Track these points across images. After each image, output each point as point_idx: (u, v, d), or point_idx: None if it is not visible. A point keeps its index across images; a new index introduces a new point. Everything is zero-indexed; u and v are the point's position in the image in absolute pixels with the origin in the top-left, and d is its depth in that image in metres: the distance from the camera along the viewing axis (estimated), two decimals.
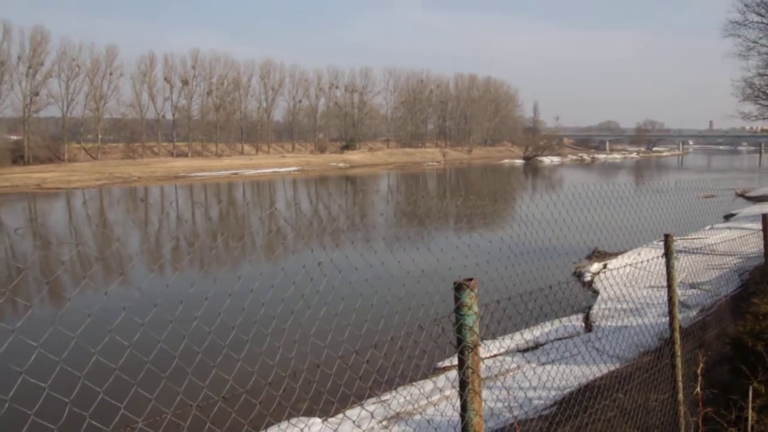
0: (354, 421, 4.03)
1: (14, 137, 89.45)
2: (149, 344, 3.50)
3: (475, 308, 4.18)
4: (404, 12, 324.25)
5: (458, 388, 4.34)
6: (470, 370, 4.27)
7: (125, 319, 3.08)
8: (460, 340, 4.17)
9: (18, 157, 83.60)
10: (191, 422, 3.32)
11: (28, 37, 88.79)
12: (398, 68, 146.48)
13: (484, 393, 6.73)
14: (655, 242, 18.40)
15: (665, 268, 6.01)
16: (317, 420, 8.56)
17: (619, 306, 14.44)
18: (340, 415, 8.45)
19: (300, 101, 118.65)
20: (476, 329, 4.11)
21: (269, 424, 6.18)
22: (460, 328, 4.19)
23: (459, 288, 4.21)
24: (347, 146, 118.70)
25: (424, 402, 9.21)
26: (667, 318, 5.94)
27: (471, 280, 4.19)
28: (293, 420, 8.08)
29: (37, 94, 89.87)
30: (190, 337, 3.56)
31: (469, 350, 4.20)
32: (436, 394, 9.75)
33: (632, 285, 12.23)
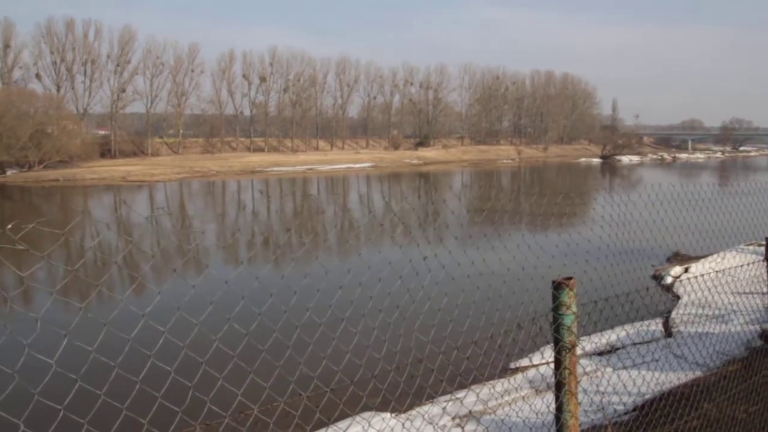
0: (424, 418, 4.05)
1: (102, 132, 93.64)
2: (236, 338, 3.55)
3: (574, 308, 4.12)
4: (480, 8, 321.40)
5: (554, 389, 4.30)
6: (567, 371, 4.22)
7: (211, 312, 3.18)
8: (557, 340, 4.12)
9: (105, 150, 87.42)
10: (277, 415, 3.39)
11: (117, 36, 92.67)
12: (473, 65, 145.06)
13: (549, 397, 6.65)
14: (741, 246, 17.65)
15: (766, 273, 5.76)
16: (387, 415, 8.61)
17: (701, 312, 13.93)
18: (412, 411, 8.49)
19: (375, 98, 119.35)
20: (574, 329, 4.06)
21: (340, 417, 6.24)
22: (558, 327, 4.14)
23: (558, 287, 4.16)
24: (421, 143, 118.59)
25: (495, 402, 9.15)
26: (756, 326, 5.69)
27: (570, 279, 4.13)
28: (366, 414, 8.16)
29: (123, 90, 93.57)
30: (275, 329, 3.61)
31: (567, 350, 4.15)
32: (510, 395, 9.66)
33: (716, 290, 11.79)
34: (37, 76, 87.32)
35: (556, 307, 3.95)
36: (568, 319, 3.95)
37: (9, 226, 2.61)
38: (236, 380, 3.49)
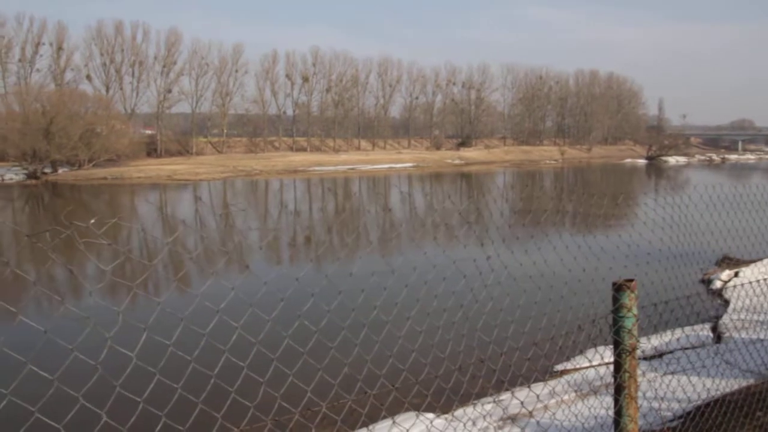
0: (485, 419, 4.01)
1: (149, 131, 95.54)
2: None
3: (635, 310, 4.03)
4: (525, 6, 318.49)
5: (613, 393, 4.22)
6: (627, 375, 4.13)
7: (282, 309, 3.18)
8: (617, 343, 4.04)
9: (152, 150, 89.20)
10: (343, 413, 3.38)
11: (163, 38, 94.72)
12: (516, 64, 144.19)
13: (606, 400, 6.52)
14: None
15: None
16: (431, 415, 8.56)
17: (753, 317, 13.55)
18: (455, 413, 8.43)
19: (417, 98, 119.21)
20: (635, 332, 3.97)
21: (382, 417, 6.21)
22: (618, 330, 4.05)
23: (619, 288, 4.08)
24: (463, 143, 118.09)
25: (538, 405, 9.03)
26: None
27: (631, 281, 4.04)
28: (407, 414, 8.12)
29: (169, 91, 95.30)
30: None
31: (627, 353, 4.06)
32: (551, 398, 9.53)
33: None
34: (88, 77, 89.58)
35: (617, 309, 3.88)
36: (629, 322, 3.88)
37: (92, 221, 2.66)
38: (305, 377, 3.51)
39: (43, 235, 2.75)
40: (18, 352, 2.52)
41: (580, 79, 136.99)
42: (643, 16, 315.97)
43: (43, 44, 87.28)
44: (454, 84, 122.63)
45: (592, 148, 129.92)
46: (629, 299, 3.94)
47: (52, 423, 2.57)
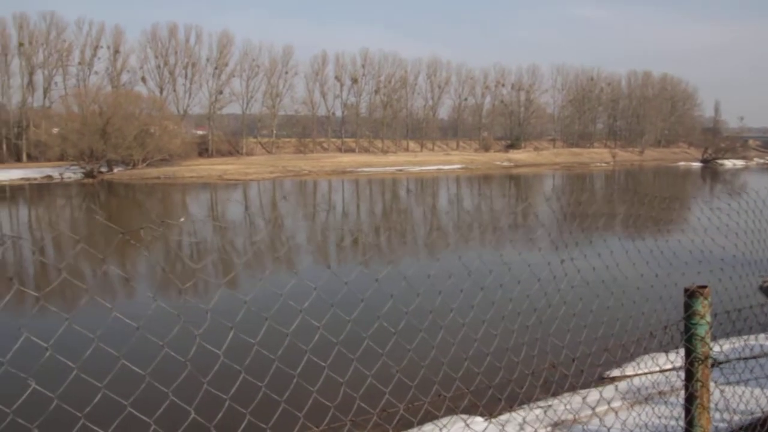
0: (507, 425, 3.93)
1: (200, 132, 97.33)
2: (385, 336, 3.55)
3: (708, 317, 3.91)
4: (576, 7, 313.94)
5: (684, 402, 4.09)
6: (699, 384, 4.01)
7: (362, 310, 3.18)
8: (689, 351, 3.92)
9: (203, 150, 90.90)
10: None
11: (215, 40, 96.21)
12: (567, 65, 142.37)
13: (662, 408, 6.34)
14: None
15: None
16: (479, 419, 8.46)
17: None
18: (503, 416, 8.32)
19: (465, 99, 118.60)
20: (708, 340, 3.84)
21: (427, 419, 6.16)
22: (690, 337, 3.93)
23: (692, 295, 3.96)
24: (512, 145, 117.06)
25: (587, 412, 8.84)
26: None
27: (705, 287, 3.92)
28: (452, 417, 8.04)
29: (221, 92, 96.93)
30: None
31: (700, 362, 3.94)
32: (601, 405, 9.33)
33: None
34: (143, 79, 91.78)
35: (689, 316, 3.78)
36: (702, 329, 3.77)
37: (182, 219, 2.70)
38: (383, 378, 3.51)
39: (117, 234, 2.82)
40: (112, 346, 2.59)
41: (633, 80, 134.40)
42: (698, 16, 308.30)
43: (101, 48, 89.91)
44: (503, 85, 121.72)
45: (644, 150, 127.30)
46: (702, 306, 3.83)
47: (144, 418, 2.62)
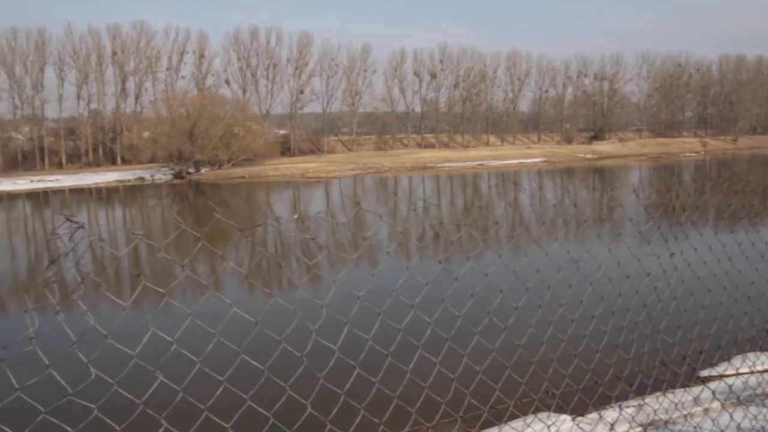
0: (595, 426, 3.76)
1: (282, 131, 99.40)
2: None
3: None
4: None
5: None
6: None
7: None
8: None
9: (285, 149, 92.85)
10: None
11: (295, 41, 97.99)
12: (653, 52, 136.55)
13: (738, 414, 5.98)
14: None
15: None
16: (566, 417, 8.21)
17: None
18: (592, 415, 8.05)
19: (546, 91, 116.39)
20: None
21: (513, 416, 6.01)
22: None
23: None
24: (595, 136, 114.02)
25: (682, 413, 8.45)
26: None
27: None
28: (540, 414, 7.83)
29: (302, 92, 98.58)
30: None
31: None
32: (695, 406, 8.91)
33: None
34: (227, 81, 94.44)
35: None
36: None
37: (296, 215, 2.73)
38: (494, 376, 3.47)
39: (231, 229, 2.89)
40: (232, 341, 2.66)
41: (725, 64, 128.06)
42: None
43: (187, 53, 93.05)
44: (585, 76, 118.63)
45: (737, 138, 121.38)
46: None
47: (263, 411, 2.68)
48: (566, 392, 3.54)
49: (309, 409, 2.83)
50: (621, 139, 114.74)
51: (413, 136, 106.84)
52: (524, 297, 3.37)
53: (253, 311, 3.03)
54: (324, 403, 2.97)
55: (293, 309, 2.72)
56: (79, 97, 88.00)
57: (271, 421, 2.80)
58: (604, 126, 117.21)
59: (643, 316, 4.24)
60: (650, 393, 4.29)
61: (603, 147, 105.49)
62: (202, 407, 2.69)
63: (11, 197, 59.46)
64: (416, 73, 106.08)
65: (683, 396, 8.89)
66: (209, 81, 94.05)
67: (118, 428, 2.62)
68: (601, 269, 3.93)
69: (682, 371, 3.88)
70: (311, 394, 2.88)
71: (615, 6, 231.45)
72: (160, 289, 2.70)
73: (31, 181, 70.11)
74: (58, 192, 62.88)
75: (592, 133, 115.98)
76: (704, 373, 10.77)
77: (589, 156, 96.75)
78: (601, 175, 72.71)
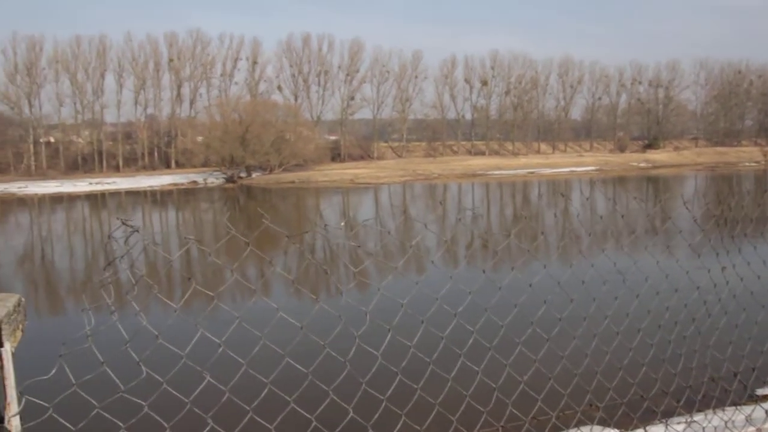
0: None
1: (333, 137, 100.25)
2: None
3: None
4: None
5: None
6: None
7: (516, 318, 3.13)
8: None
9: (335, 154, 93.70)
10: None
11: (347, 48, 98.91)
12: (711, 59, 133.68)
13: None
14: None
15: None
16: (610, 431, 8.03)
17: None
18: (638, 430, 7.85)
19: (599, 98, 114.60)
20: None
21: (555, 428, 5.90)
22: None
23: None
24: (650, 145, 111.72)
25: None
26: None
27: None
28: (583, 428, 7.69)
29: (352, 98, 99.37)
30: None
31: None
32: (747, 426, 8.62)
33: None
34: (279, 87, 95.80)
35: None
36: None
37: (342, 223, 2.80)
38: (537, 386, 3.46)
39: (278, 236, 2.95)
40: (277, 344, 2.73)
41: None
42: None
43: (241, 59, 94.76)
44: (639, 83, 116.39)
45: None
46: None
47: (306, 414, 2.74)
48: (610, 405, 3.50)
49: (351, 414, 2.88)
50: (676, 148, 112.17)
51: (463, 143, 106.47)
52: (569, 308, 3.35)
53: (299, 316, 3.10)
54: (366, 408, 3.01)
55: (338, 315, 2.78)
56: (136, 103, 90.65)
57: (313, 424, 2.86)
58: (659, 134, 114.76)
59: (691, 330, 4.17)
60: (699, 410, 4.19)
61: (657, 156, 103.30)
62: (247, 408, 2.77)
63: (71, 198, 61.44)
64: (467, 80, 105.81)
65: (734, 415, 8.66)
66: (262, 87, 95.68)
67: (166, 425, 2.71)
68: (648, 282, 3.89)
69: (732, 388, 3.79)
70: (353, 398, 2.94)
71: (671, 12, 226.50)
72: (210, 293, 2.79)
73: (90, 183, 72.42)
74: (115, 194, 64.72)
75: (646, 142, 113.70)
76: (758, 391, 10.48)
77: (642, 165, 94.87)
78: (655, 184, 71.25)
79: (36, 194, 64.66)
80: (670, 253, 4.16)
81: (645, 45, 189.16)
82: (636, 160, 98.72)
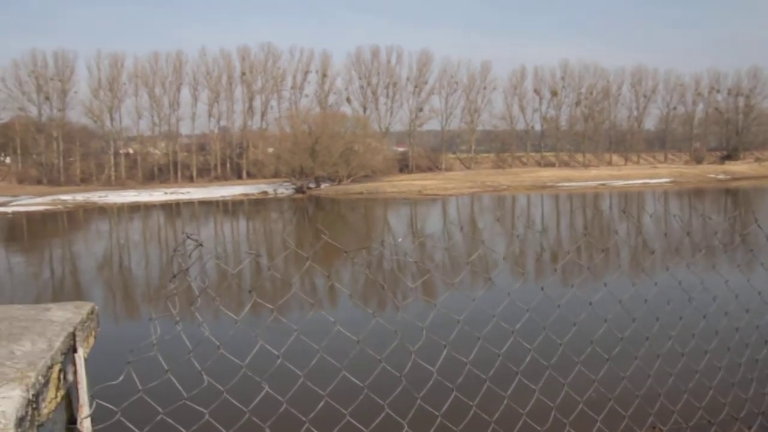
0: None
1: (401, 149, 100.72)
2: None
3: None
4: None
5: None
6: None
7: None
8: None
9: (403, 166, 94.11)
10: None
11: (415, 59, 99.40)
12: None
13: None
14: None
15: None
16: None
17: None
18: None
19: (674, 108, 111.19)
20: None
21: None
22: None
23: None
24: (728, 156, 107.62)
25: None
26: None
27: None
28: None
29: (421, 109, 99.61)
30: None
31: None
32: None
33: None
34: (348, 99, 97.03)
35: None
36: None
37: (399, 239, 2.84)
38: (596, 407, 3.41)
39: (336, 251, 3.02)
40: (335, 358, 2.79)
41: None
42: None
43: (311, 72, 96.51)
44: (718, 91, 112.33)
45: None
46: None
47: (361, 428, 2.78)
48: (674, 429, 3.41)
49: (405, 429, 2.90)
50: (758, 159, 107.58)
51: (532, 154, 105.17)
52: (630, 328, 3.29)
53: (356, 330, 3.15)
54: (420, 423, 3.03)
55: (394, 330, 2.82)
56: (210, 115, 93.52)
57: None
58: (739, 145, 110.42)
59: (764, 353, 4.01)
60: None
61: (737, 167, 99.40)
62: (304, 419, 2.82)
63: (147, 207, 63.70)
64: (536, 91, 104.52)
65: None
66: (331, 99, 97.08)
67: None
68: (716, 301, 3.77)
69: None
70: (408, 413, 2.96)
71: (753, 17, 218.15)
72: (269, 305, 2.86)
73: (165, 193, 74.94)
74: (189, 204, 66.72)
75: (724, 153, 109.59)
76: None
77: (720, 177, 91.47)
78: (734, 197, 68.58)
79: (115, 203, 67.31)
80: (740, 271, 4.02)
81: (724, 52, 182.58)
82: (713, 171, 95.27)
